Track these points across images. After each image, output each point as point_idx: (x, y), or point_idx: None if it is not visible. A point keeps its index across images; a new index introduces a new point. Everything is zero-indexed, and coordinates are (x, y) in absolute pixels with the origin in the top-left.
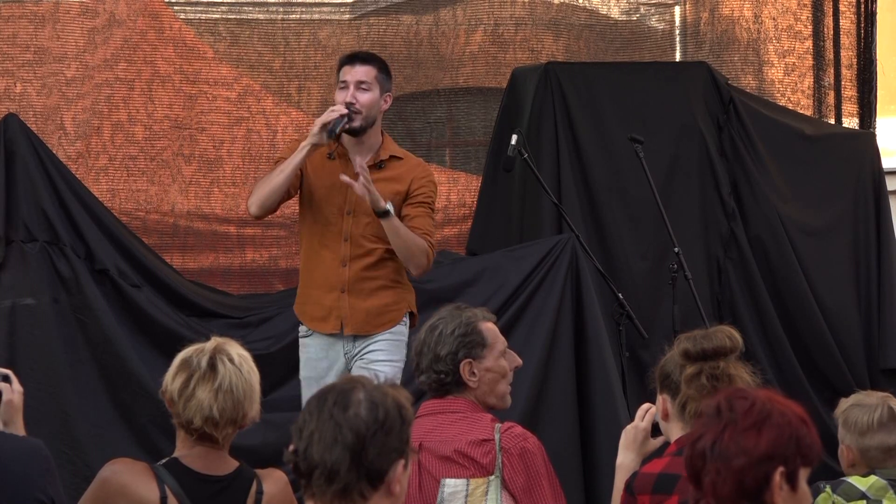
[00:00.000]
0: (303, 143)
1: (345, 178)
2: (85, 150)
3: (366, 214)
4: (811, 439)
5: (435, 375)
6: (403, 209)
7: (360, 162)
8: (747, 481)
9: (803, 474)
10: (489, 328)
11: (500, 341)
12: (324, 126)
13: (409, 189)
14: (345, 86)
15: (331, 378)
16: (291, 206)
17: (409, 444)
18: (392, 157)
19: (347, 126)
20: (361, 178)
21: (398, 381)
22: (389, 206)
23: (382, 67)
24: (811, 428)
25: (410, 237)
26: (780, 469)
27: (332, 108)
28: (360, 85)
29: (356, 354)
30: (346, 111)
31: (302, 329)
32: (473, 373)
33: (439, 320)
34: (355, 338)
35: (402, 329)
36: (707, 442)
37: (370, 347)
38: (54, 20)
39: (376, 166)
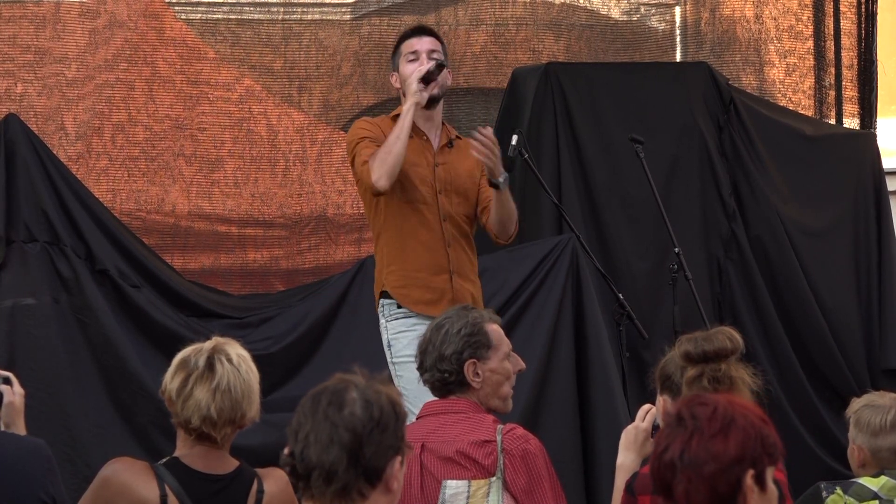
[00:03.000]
0: (406, 106)
1: (474, 151)
2: (85, 150)
3: (457, 193)
4: (774, 438)
5: (439, 374)
6: (480, 184)
7: (489, 132)
8: (720, 487)
9: (769, 473)
10: (495, 330)
11: (505, 343)
12: (421, 80)
13: (481, 167)
14: (415, 57)
15: None
16: (293, 207)
17: (405, 440)
18: (457, 137)
19: (436, 90)
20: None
21: None
22: (504, 177)
23: (442, 41)
24: (772, 427)
25: (513, 206)
26: (751, 472)
27: (418, 69)
28: (431, 54)
29: None
30: (435, 61)
31: (393, 308)
32: (477, 373)
33: (445, 319)
34: None
35: None
36: (675, 452)
37: None
38: (55, 21)
39: (448, 145)
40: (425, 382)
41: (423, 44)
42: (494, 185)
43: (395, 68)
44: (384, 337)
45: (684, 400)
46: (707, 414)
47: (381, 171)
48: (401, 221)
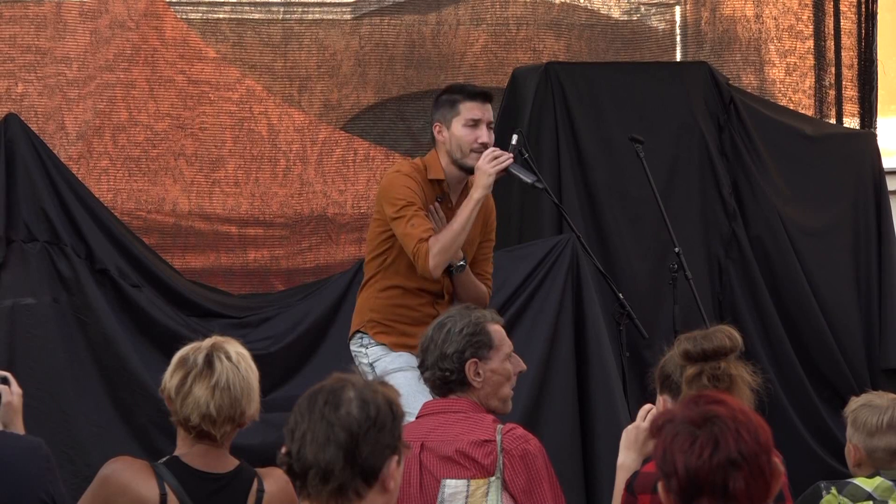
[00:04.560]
0: (476, 196)
1: None
2: (86, 150)
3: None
4: None
5: (440, 373)
6: (478, 247)
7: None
8: (767, 475)
9: None
10: (497, 330)
11: (507, 344)
12: (501, 173)
13: (486, 225)
14: (475, 125)
15: None
16: (293, 206)
17: (402, 439)
18: None
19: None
20: None
21: None
22: (464, 262)
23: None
24: None
25: (475, 288)
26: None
27: (493, 154)
28: (489, 125)
29: None
30: (511, 156)
31: (373, 340)
32: (478, 373)
33: (448, 318)
34: None
35: None
36: (731, 449)
37: None
38: (56, 21)
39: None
40: (426, 381)
41: (487, 113)
42: (448, 271)
43: (444, 122)
44: (363, 362)
45: (692, 399)
46: (739, 408)
47: (439, 261)
48: (401, 280)
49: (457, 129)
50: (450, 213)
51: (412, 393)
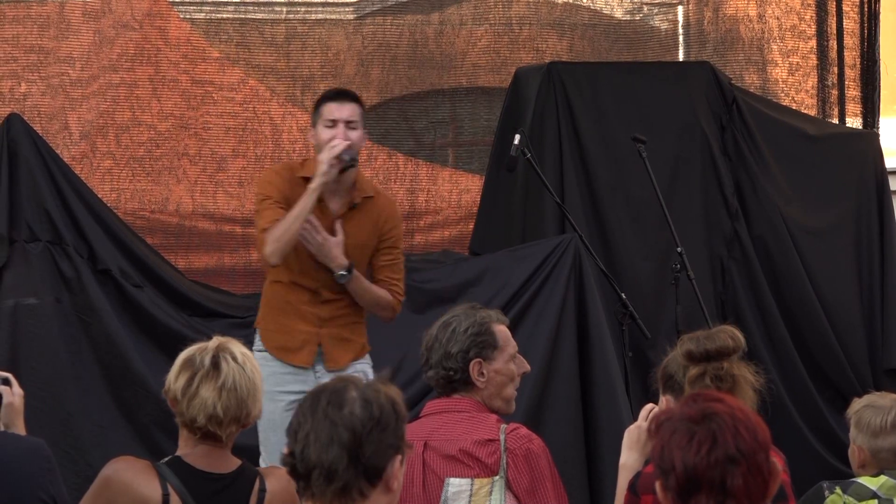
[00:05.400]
0: (312, 186)
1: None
2: (90, 150)
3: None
4: None
5: (444, 372)
6: (376, 256)
7: (338, 238)
8: (765, 473)
9: None
10: (502, 331)
11: (512, 345)
12: (332, 161)
13: (381, 233)
14: (332, 125)
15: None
16: None
17: (405, 439)
18: (365, 198)
19: (350, 162)
20: (325, 237)
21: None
22: (346, 271)
23: (362, 105)
24: None
25: (373, 294)
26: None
27: (331, 144)
28: (349, 124)
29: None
30: (348, 143)
31: (261, 343)
32: (482, 373)
33: (453, 318)
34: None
35: (369, 361)
36: (729, 446)
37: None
38: (59, 21)
39: (350, 208)
40: (429, 380)
41: (343, 112)
42: (338, 279)
43: (314, 126)
44: None
45: (690, 398)
46: (738, 406)
47: (273, 248)
48: (278, 275)
49: (319, 130)
50: (323, 216)
51: (267, 423)
